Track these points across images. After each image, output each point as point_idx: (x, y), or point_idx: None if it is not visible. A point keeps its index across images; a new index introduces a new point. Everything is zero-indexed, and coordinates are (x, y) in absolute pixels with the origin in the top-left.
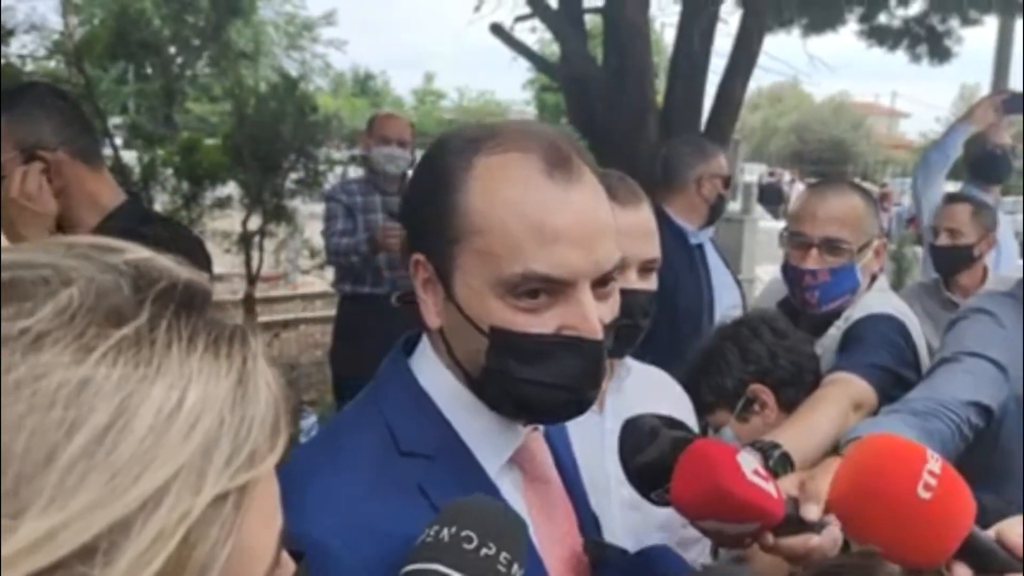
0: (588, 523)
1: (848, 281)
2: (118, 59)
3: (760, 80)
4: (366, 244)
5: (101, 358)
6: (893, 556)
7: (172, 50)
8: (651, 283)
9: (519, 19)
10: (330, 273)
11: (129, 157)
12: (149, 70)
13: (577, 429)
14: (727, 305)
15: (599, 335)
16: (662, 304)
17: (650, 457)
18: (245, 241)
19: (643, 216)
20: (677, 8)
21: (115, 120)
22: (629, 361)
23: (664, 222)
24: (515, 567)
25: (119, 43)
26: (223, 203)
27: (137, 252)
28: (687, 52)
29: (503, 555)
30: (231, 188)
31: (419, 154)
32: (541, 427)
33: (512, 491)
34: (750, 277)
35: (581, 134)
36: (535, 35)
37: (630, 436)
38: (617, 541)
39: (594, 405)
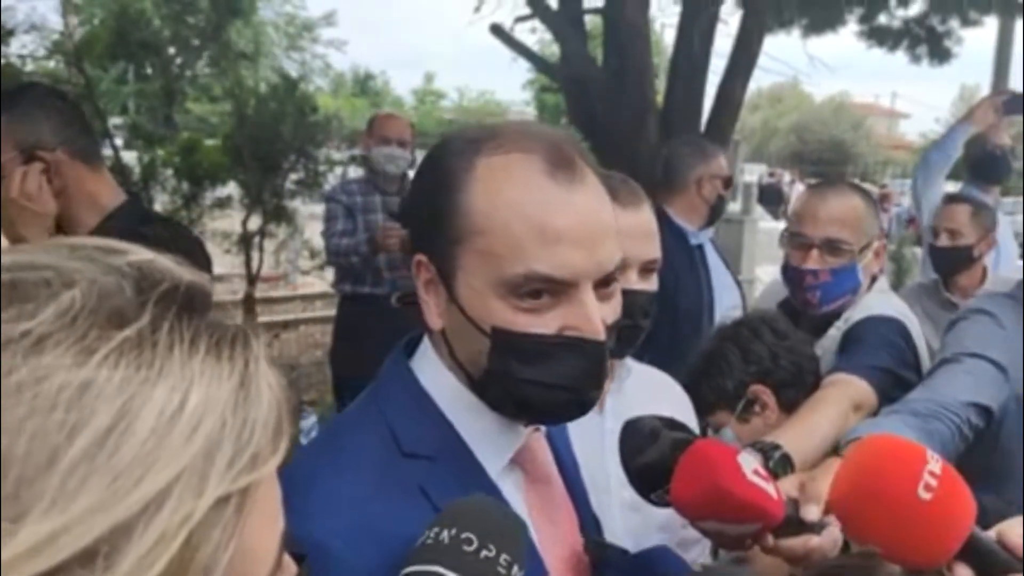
0: (589, 523)
1: (849, 281)
2: (118, 59)
3: (760, 80)
4: (366, 244)
5: (103, 360)
6: (894, 557)
7: (172, 50)
8: (652, 284)
9: (519, 20)
10: (330, 273)
11: (129, 157)
12: (149, 70)
13: (577, 430)
14: (727, 306)
15: (601, 336)
16: (662, 305)
17: (650, 458)
18: (245, 241)
19: (644, 217)
20: (677, 9)
21: (115, 120)
22: (629, 362)
23: (664, 223)
24: (515, 568)
25: (119, 43)
26: (223, 203)
27: (140, 254)
28: (687, 53)
29: (503, 557)
30: (231, 188)
31: (419, 154)
32: (543, 428)
33: (514, 492)
34: (750, 278)
35: (581, 135)
36: (535, 35)
37: (630, 437)
38: (617, 542)
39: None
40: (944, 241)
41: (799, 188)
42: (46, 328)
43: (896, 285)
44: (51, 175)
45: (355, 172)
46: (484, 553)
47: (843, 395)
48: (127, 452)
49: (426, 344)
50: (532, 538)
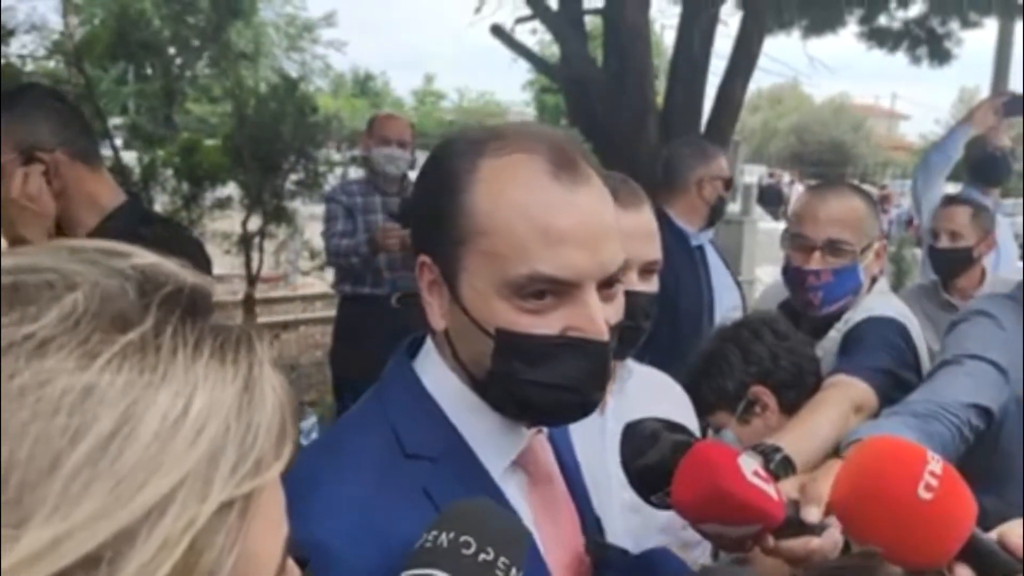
0: (591, 525)
1: (851, 282)
2: (118, 59)
3: (760, 81)
4: (366, 245)
5: (106, 364)
6: (894, 557)
7: (172, 51)
8: (652, 285)
9: (520, 20)
10: (330, 274)
11: (129, 158)
12: (149, 70)
13: (579, 431)
14: (727, 306)
15: (605, 336)
16: (663, 305)
17: (651, 460)
18: (245, 242)
19: (645, 218)
20: (677, 10)
21: (115, 120)
22: (631, 363)
23: (665, 224)
24: (514, 571)
25: (119, 43)
26: (223, 204)
27: (143, 257)
28: (687, 54)
29: (501, 559)
30: (231, 189)
31: (419, 155)
32: (545, 429)
33: (516, 493)
34: (750, 278)
35: (581, 136)
36: (535, 36)
37: (631, 440)
38: (618, 543)
39: None
40: (944, 242)
41: (799, 189)
42: (49, 331)
43: (896, 286)
44: (50, 176)
45: (355, 173)
46: (482, 556)
47: (844, 397)
48: (130, 457)
49: (429, 345)
50: (535, 539)
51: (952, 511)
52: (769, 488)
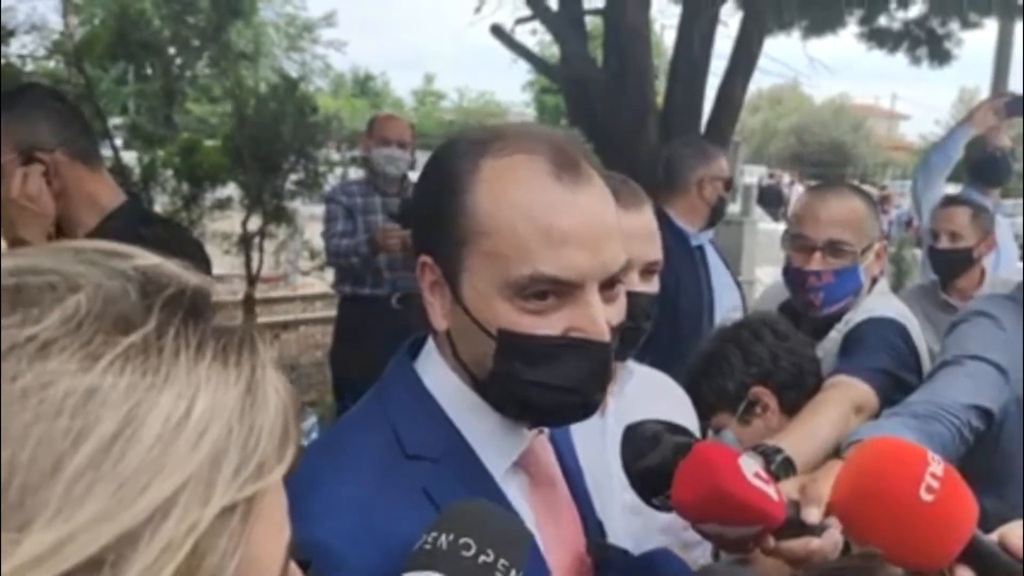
0: (592, 526)
1: (851, 283)
2: (118, 59)
3: (760, 82)
4: (366, 245)
5: (108, 366)
6: (896, 559)
7: (172, 51)
8: (653, 285)
9: (520, 21)
10: (330, 274)
11: (129, 158)
12: (149, 71)
13: (579, 432)
14: (727, 307)
15: (606, 337)
16: (663, 306)
17: (652, 463)
18: (245, 242)
19: (646, 219)
20: (677, 10)
21: (115, 121)
22: (631, 364)
23: (665, 224)
24: (513, 573)
25: (119, 43)
26: (223, 204)
27: (145, 258)
28: (687, 54)
29: (501, 561)
30: (231, 189)
31: (419, 155)
32: (546, 430)
33: (518, 494)
34: (750, 279)
35: (582, 136)
36: (535, 37)
37: (632, 442)
38: (619, 544)
39: None
40: (944, 243)
41: (798, 190)
42: (51, 333)
43: (896, 287)
44: (50, 176)
45: (355, 173)
46: (482, 558)
47: (844, 397)
48: (133, 459)
49: (430, 345)
50: (536, 540)
51: (953, 513)
52: (769, 489)
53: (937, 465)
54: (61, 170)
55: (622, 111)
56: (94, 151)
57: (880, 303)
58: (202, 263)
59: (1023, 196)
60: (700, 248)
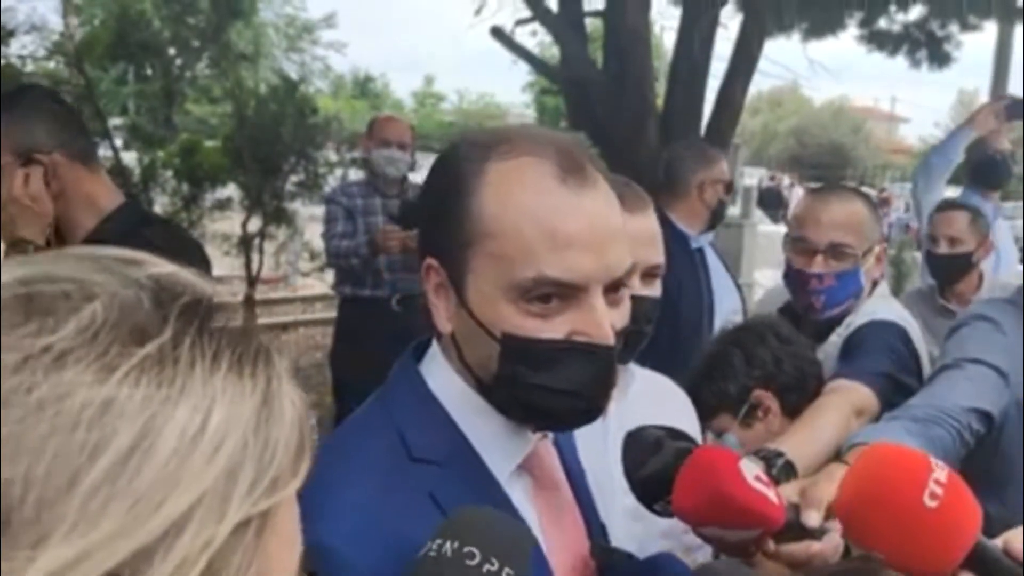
0: (596, 529)
1: (853, 286)
2: (118, 60)
3: (760, 84)
4: (366, 247)
5: (124, 377)
6: (900, 565)
7: (172, 51)
8: (655, 289)
9: (520, 22)
10: (330, 275)
11: (129, 158)
12: (149, 71)
13: (582, 436)
14: (727, 310)
15: (611, 341)
16: (664, 309)
17: (653, 468)
18: (245, 243)
19: (648, 222)
20: (677, 12)
21: (115, 121)
22: (633, 367)
23: (666, 227)
24: None
25: (119, 44)
26: (223, 205)
27: (160, 266)
28: (687, 56)
29: (506, 570)
30: (231, 190)
31: (419, 157)
32: (550, 434)
33: (522, 497)
34: (749, 281)
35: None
36: (535, 38)
37: (633, 447)
38: (621, 548)
39: None
40: (944, 248)
41: (798, 192)
42: (67, 344)
43: (896, 290)
44: (49, 178)
45: (355, 174)
46: (487, 567)
47: (845, 401)
48: (149, 474)
49: (435, 348)
50: (540, 545)
51: (957, 519)
52: (770, 492)
53: (941, 471)
54: (59, 171)
55: (622, 113)
56: (92, 152)
57: (881, 306)
58: (202, 264)
59: (1023, 199)
60: (700, 251)
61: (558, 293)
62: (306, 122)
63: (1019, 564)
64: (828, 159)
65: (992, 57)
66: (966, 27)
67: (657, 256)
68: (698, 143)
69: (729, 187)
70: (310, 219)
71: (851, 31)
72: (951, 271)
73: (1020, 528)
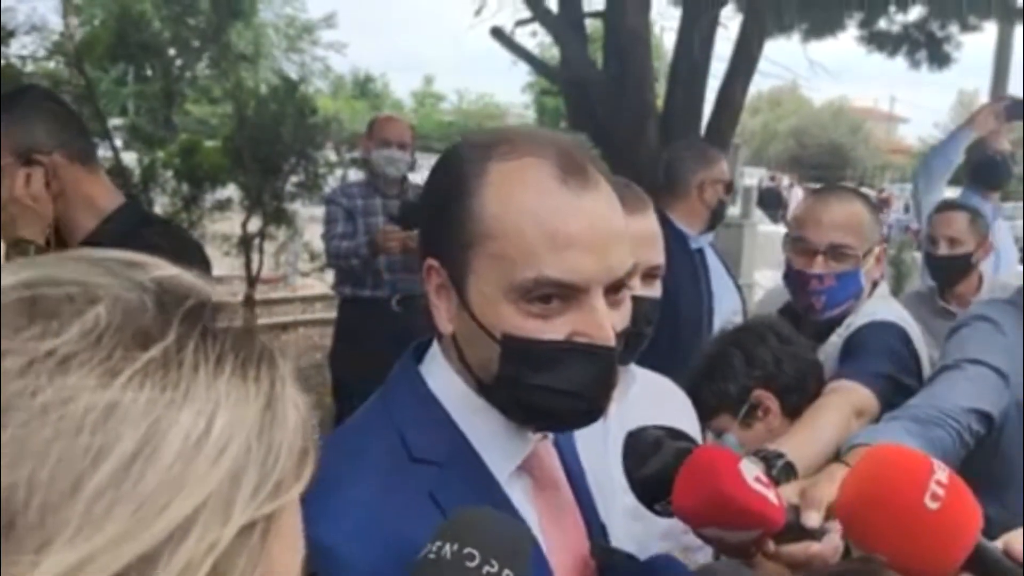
0: (596, 530)
1: (853, 286)
2: (118, 60)
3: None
4: (366, 247)
5: (128, 381)
6: (901, 567)
7: (172, 52)
8: (655, 290)
9: (520, 23)
10: (330, 275)
11: (129, 159)
12: (149, 72)
13: (582, 436)
14: (727, 310)
15: (612, 342)
16: (664, 309)
17: (654, 469)
18: (245, 243)
19: (649, 223)
20: (677, 13)
21: (115, 122)
22: (634, 368)
23: (666, 227)
24: None
25: (119, 44)
26: (223, 205)
27: (163, 269)
28: (687, 57)
29: (506, 572)
30: (231, 190)
31: (419, 157)
32: (550, 434)
33: (522, 498)
34: (749, 282)
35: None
36: (535, 39)
37: (634, 448)
38: (621, 548)
39: None
40: (943, 249)
41: (798, 192)
42: (71, 347)
43: (895, 290)
44: (49, 178)
45: (355, 175)
46: (487, 569)
47: (845, 402)
48: (153, 478)
49: (435, 349)
50: (540, 545)
51: (958, 521)
52: (770, 493)
53: (942, 473)
54: (60, 172)
55: (622, 113)
56: (92, 153)
57: (881, 307)
58: (202, 265)
59: (1023, 199)
60: (700, 251)
61: (559, 294)
62: (306, 122)
63: (1019, 566)
64: (828, 159)
65: (992, 58)
66: (966, 28)
67: (658, 257)
68: (698, 143)
69: (729, 187)
70: (310, 219)
71: (851, 32)
72: (951, 272)
73: (1020, 530)
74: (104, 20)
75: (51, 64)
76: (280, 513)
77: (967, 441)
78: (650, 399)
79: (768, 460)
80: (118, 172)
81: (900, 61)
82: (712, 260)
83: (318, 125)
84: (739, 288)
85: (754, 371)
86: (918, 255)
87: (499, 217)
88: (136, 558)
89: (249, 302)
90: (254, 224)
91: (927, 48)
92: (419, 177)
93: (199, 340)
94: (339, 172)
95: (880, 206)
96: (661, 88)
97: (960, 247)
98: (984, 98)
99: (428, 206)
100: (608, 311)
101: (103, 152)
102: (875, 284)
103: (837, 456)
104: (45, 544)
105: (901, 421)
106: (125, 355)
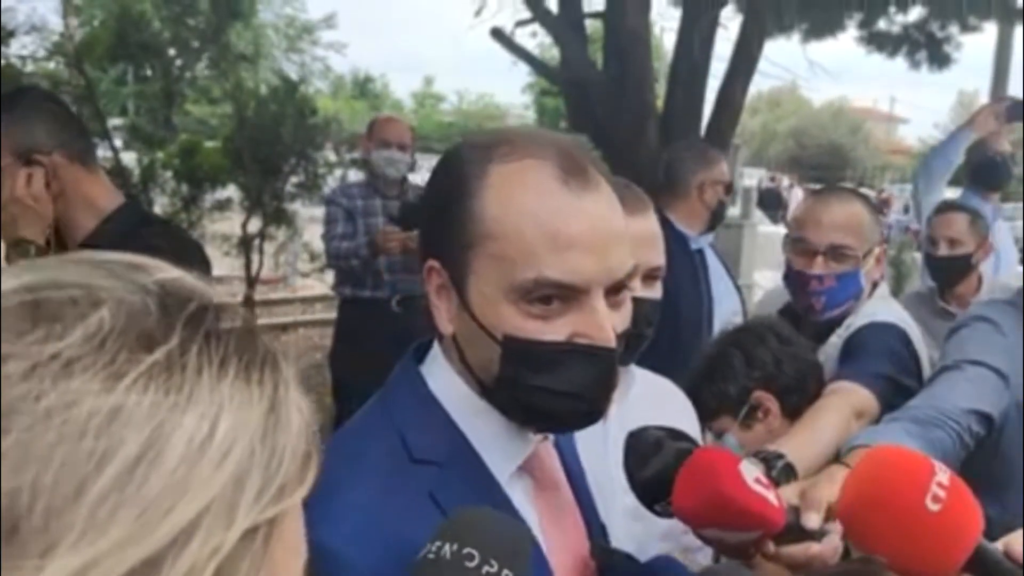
0: (596, 530)
1: (853, 287)
2: (118, 61)
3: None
4: (366, 248)
5: (132, 385)
6: (901, 568)
7: (172, 52)
8: (656, 291)
9: (520, 24)
10: (329, 276)
11: (129, 159)
12: (149, 72)
13: (582, 437)
14: (727, 311)
15: (612, 343)
16: (664, 310)
17: (654, 470)
18: (245, 244)
19: (649, 224)
20: (677, 13)
21: (115, 122)
22: (634, 369)
23: (665, 228)
24: None
25: (119, 45)
26: (223, 206)
27: (166, 271)
28: (687, 57)
29: (505, 572)
30: (231, 191)
31: (418, 157)
32: (551, 435)
33: (523, 499)
34: (748, 282)
35: (590, 144)
36: (535, 39)
37: (635, 448)
38: (622, 549)
39: None
40: (944, 250)
41: (797, 193)
42: (75, 351)
43: (895, 291)
44: (49, 178)
45: (355, 175)
46: (486, 568)
47: (845, 403)
48: (156, 482)
49: (436, 350)
50: (540, 545)
51: (959, 522)
52: (769, 494)
53: (943, 475)
54: (60, 172)
55: (622, 114)
56: (91, 153)
57: (881, 308)
58: (202, 265)
59: (1023, 200)
60: (700, 252)
61: (559, 295)
62: (306, 123)
63: (1020, 567)
64: (827, 160)
65: (992, 58)
66: (966, 28)
67: (658, 258)
68: (698, 144)
69: (729, 188)
70: (310, 220)
71: (851, 32)
72: (951, 273)
73: (1021, 531)
74: (104, 20)
75: (51, 64)
76: (283, 517)
77: (967, 442)
78: (650, 400)
79: (768, 461)
80: (118, 172)
81: (900, 62)
82: (712, 261)
83: (318, 126)
84: (739, 289)
85: (754, 372)
86: (918, 256)
87: (500, 218)
88: (140, 562)
89: (249, 303)
90: (254, 225)
91: (927, 48)
92: (419, 178)
93: (202, 343)
94: (339, 172)
95: (880, 207)
96: (661, 89)
97: (960, 248)
98: (984, 99)
99: (429, 207)
100: (608, 312)
101: (103, 152)
102: (875, 285)
103: (837, 457)
104: (49, 549)
105: (901, 422)
106: (129, 358)
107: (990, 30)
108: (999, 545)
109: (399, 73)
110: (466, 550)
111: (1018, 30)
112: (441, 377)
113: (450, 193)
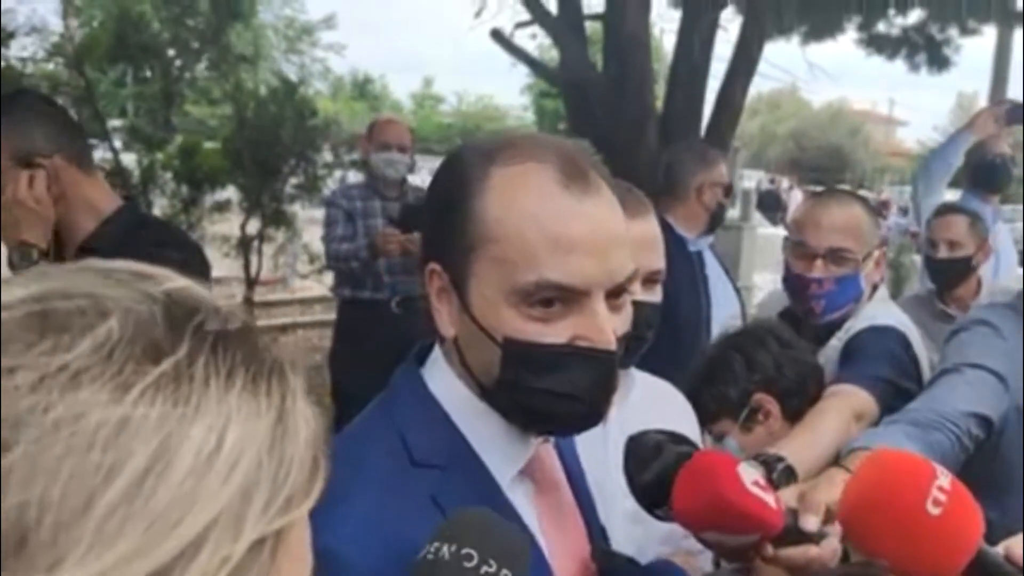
0: (597, 533)
1: (853, 290)
2: (118, 62)
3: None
4: (366, 249)
5: (140, 396)
6: (902, 572)
7: (172, 53)
8: (656, 295)
9: (519, 25)
10: (329, 277)
11: (128, 160)
12: (148, 73)
13: (582, 440)
14: (726, 314)
15: (613, 346)
16: (663, 312)
17: (655, 473)
18: (244, 245)
19: (650, 227)
20: (677, 15)
21: (114, 123)
22: (634, 372)
23: (665, 230)
24: None
25: (119, 46)
26: (222, 207)
27: (173, 281)
28: (687, 59)
29: (504, 572)
30: (230, 192)
31: (418, 159)
32: (551, 438)
33: (523, 501)
34: (748, 285)
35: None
36: (535, 41)
37: (635, 452)
38: (622, 552)
39: None
40: (943, 252)
41: (797, 195)
42: (83, 362)
43: (895, 293)
44: (49, 181)
45: (354, 176)
46: (484, 569)
47: (845, 405)
48: (164, 494)
49: (437, 352)
50: (541, 548)
51: (960, 526)
52: (768, 497)
53: (944, 479)
54: (60, 175)
55: (622, 116)
56: (89, 156)
57: (881, 310)
58: (201, 266)
59: (1023, 202)
60: (699, 254)
61: (560, 297)
62: (305, 124)
63: (1021, 571)
64: (827, 162)
65: (991, 61)
66: (965, 31)
67: (658, 261)
68: (698, 145)
69: (728, 190)
70: (309, 221)
71: (850, 34)
72: (950, 275)
73: (1021, 535)
74: (104, 21)
75: (51, 66)
76: (290, 528)
77: (966, 445)
78: (650, 403)
79: (768, 464)
80: (117, 173)
81: (899, 64)
82: (711, 263)
83: (317, 127)
84: (738, 291)
85: (754, 375)
86: (917, 258)
87: (501, 221)
88: (148, 575)
89: (248, 304)
90: (253, 226)
91: (926, 51)
92: (418, 179)
93: (210, 354)
94: (338, 174)
95: (879, 209)
96: (661, 90)
97: (960, 250)
98: (983, 101)
99: (430, 210)
100: (609, 315)
101: (103, 153)
102: (875, 287)
103: (836, 460)
104: (57, 563)
105: (900, 425)
106: (136, 369)
107: (989, 33)
108: (1000, 549)
109: (398, 74)
110: (465, 550)
111: (1017, 33)
112: (442, 380)
113: (451, 196)
